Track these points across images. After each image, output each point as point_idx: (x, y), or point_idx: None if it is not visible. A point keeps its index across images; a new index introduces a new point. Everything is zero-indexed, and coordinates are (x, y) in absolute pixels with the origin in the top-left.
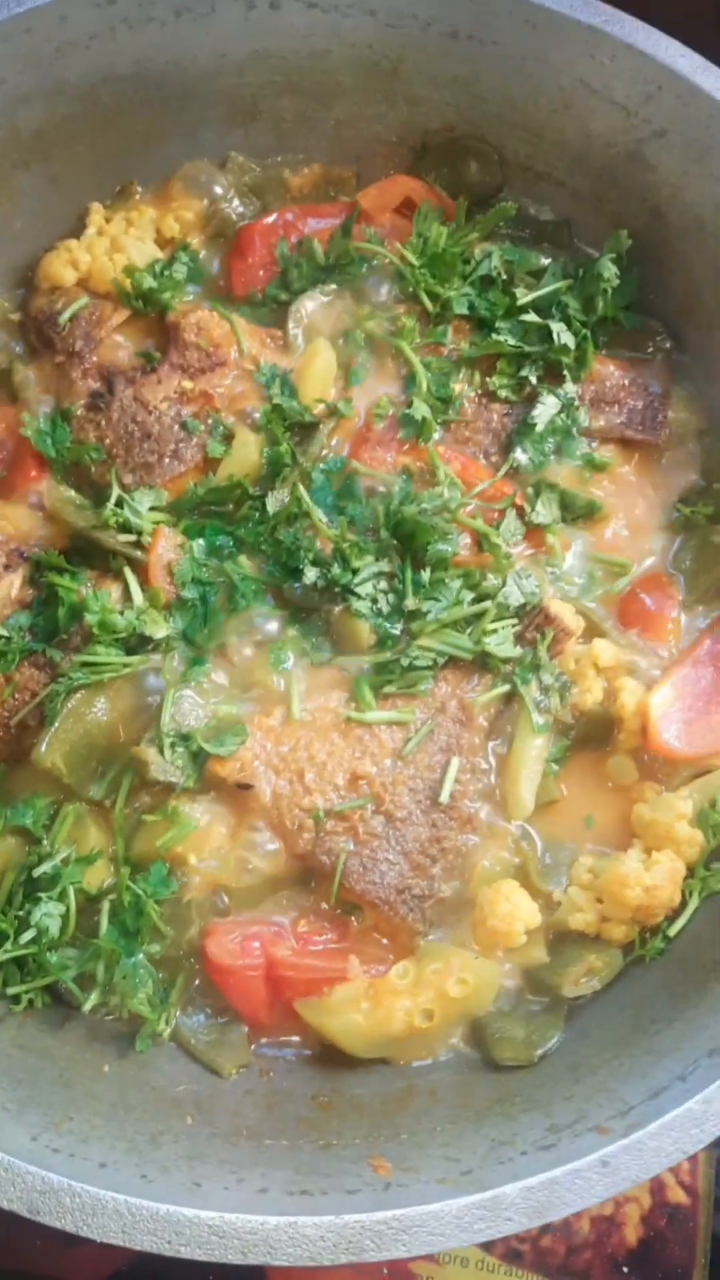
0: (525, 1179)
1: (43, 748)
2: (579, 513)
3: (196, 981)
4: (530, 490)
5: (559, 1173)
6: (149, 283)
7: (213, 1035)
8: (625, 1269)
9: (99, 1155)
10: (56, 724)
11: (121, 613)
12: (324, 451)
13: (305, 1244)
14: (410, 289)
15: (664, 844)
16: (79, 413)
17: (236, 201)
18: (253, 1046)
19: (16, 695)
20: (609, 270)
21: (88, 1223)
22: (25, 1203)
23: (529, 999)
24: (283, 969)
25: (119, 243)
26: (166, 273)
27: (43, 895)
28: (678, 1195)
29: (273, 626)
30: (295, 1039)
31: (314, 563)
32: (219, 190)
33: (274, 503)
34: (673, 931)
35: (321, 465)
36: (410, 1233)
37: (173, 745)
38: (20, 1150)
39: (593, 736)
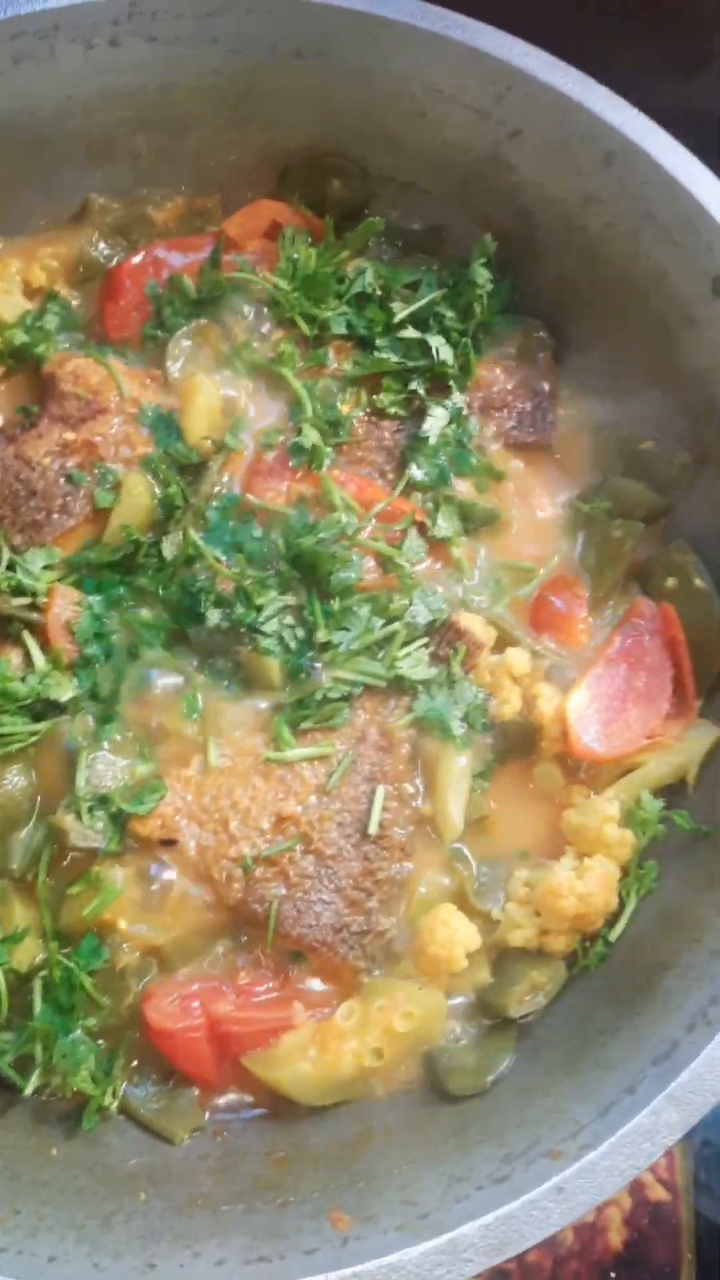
0: (482, 1216)
1: None
2: (480, 521)
3: (139, 1050)
4: (430, 504)
5: (515, 1206)
6: (20, 338)
7: (162, 1102)
8: (613, 1275)
9: (47, 1249)
10: None
11: (24, 679)
12: (216, 489)
13: None
14: (286, 314)
15: (596, 848)
16: None
17: (102, 243)
18: (205, 1111)
19: None
20: (482, 276)
21: None
22: None
23: (482, 1022)
24: (226, 1025)
25: None
26: (38, 324)
27: None
28: (658, 1193)
29: (179, 676)
30: (247, 1097)
31: (216, 604)
32: (82, 236)
33: (170, 546)
34: (613, 936)
35: (214, 503)
36: None
37: (90, 809)
38: None
39: (516, 747)
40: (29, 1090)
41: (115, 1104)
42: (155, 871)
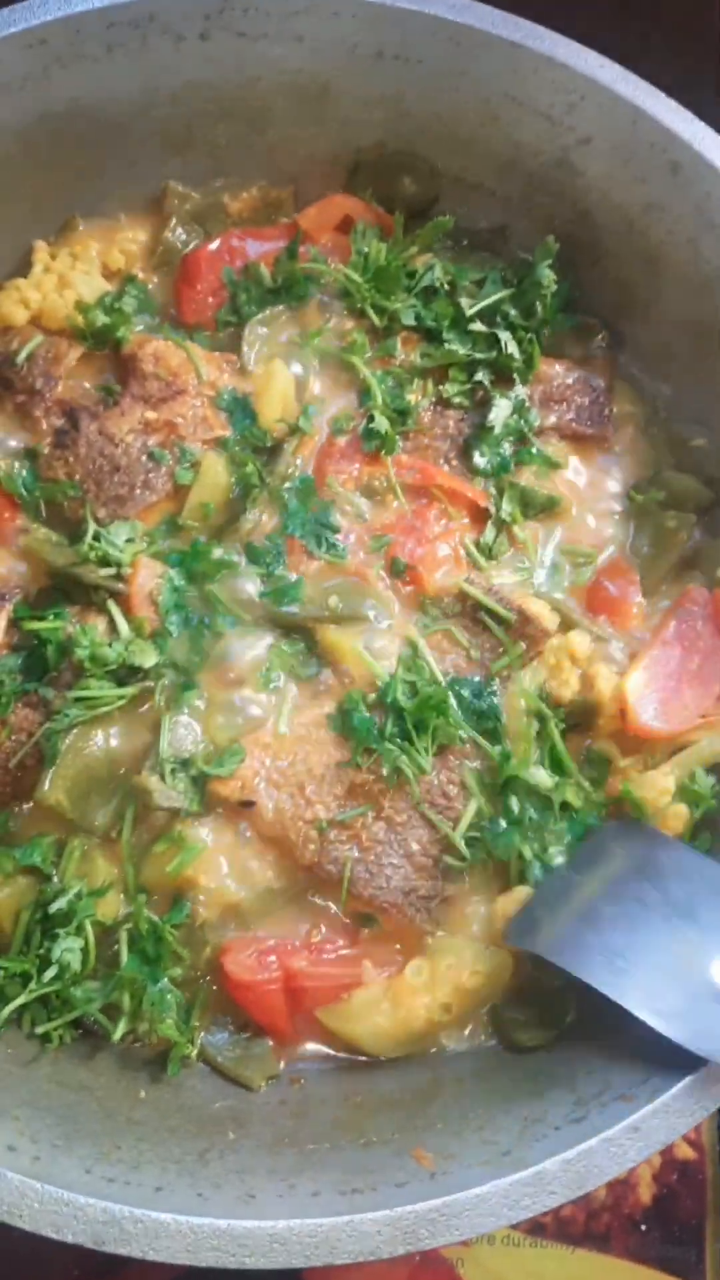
0: (563, 1153)
1: (45, 785)
2: (539, 507)
3: (216, 1000)
4: (492, 490)
5: (594, 1143)
6: (102, 319)
7: (238, 1051)
8: (643, 1226)
9: (153, 1180)
10: (58, 761)
11: (110, 645)
12: (290, 469)
13: (364, 1240)
14: (357, 305)
15: (654, 821)
16: (46, 451)
17: (179, 230)
18: (280, 1060)
19: (13, 737)
20: (546, 277)
21: (154, 1246)
22: (90, 1235)
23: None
24: (301, 980)
25: (67, 279)
26: (116, 306)
27: (60, 931)
28: (685, 1152)
29: (261, 646)
30: (322, 1048)
31: (294, 589)
32: (166, 231)
33: (249, 524)
34: None
35: (289, 484)
36: (462, 1217)
37: (173, 771)
38: (77, 1184)
39: (576, 725)
40: (117, 1036)
41: (195, 1051)
42: (233, 835)
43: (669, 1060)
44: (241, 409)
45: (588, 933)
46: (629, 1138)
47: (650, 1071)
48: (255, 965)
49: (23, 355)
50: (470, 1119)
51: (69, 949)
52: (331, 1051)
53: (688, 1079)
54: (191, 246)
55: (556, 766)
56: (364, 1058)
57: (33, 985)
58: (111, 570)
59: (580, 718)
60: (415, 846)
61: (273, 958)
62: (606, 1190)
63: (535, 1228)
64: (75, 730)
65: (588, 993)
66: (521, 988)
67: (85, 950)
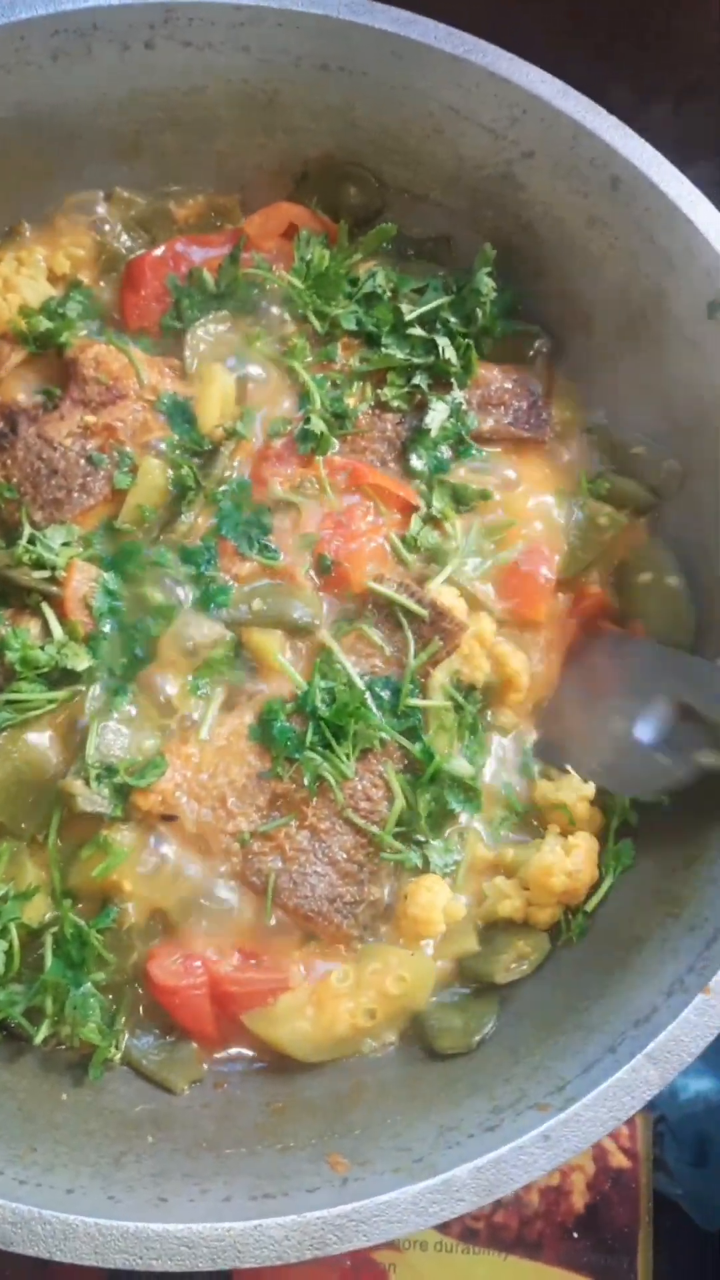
0: (474, 1160)
1: None
2: (471, 500)
3: (142, 1004)
4: (423, 488)
5: (504, 1151)
6: (45, 324)
7: (163, 1054)
8: (575, 1234)
9: (65, 1182)
10: None
11: (42, 648)
12: (227, 473)
13: (271, 1245)
14: (299, 310)
15: (570, 825)
16: None
17: (125, 236)
18: (204, 1064)
19: None
20: (485, 284)
21: (60, 1247)
22: None
23: (467, 988)
24: (226, 984)
25: (11, 283)
26: (60, 311)
27: None
28: (619, 1160)
29: (193, 647)
30: (246, 1052)
31: (221, 592)
32: (106, 227)
33: (184, 525)
34: (590, 908)
35: (224, 487)
36: (370, 1223)
37: (98, 777)
38: None
39: (490, 703)
40: (39, 1039)
41: (119, 1055)
42: (155, 843)
43: (586, 1071)
44: (181, 413)
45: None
46: (539, 1146)
47: (565, 1080)
48: (180, 970)
49: None
50: (387, 1125)
51: None
52: (255, 1055)
53: (600, 1088)
54: (137, 252)
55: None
56: (288, 1063)
57: None
58: (46, 573)
59: (489, 695)
60: (340, 854)
61: (198, 963)
62: (539, 1197)
63: (467, 1234)
64: (5, 734)
65: (510, 1002)
66: (448, 995)
67: (10, 953)
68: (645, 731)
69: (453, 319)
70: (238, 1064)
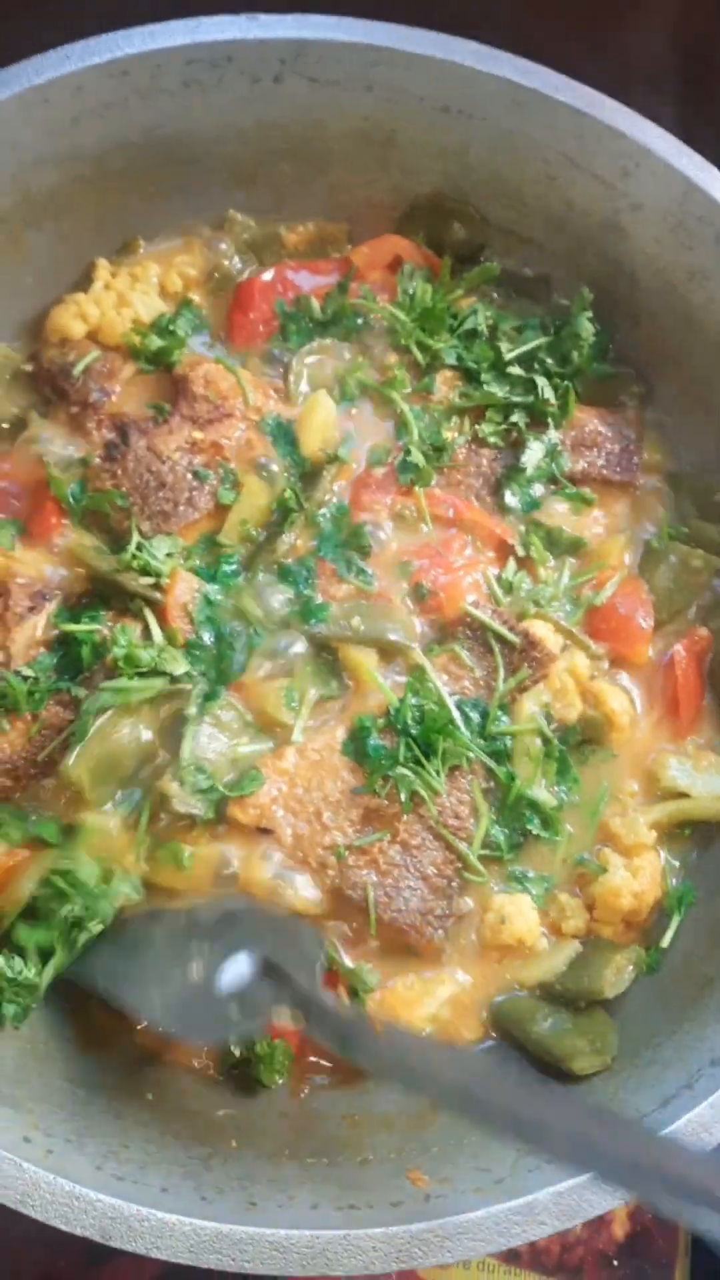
0: (555, 1185)
1: (71, 760)
2: (564, 548)
3: None
4: (520, 528)
5: (585, 1179)
6: (157, 342)
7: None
8: (615, 1263)
9: (159, 1180)
10: (85, 739)
11: (144, 649)
12: (327, 496)
13: (359, 1254)
14: (401, 342)
15: (634, 852)
16: (95, 462)
17: (236, 258)
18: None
19: (44, 732)
20: (585, 329)
21: (158, 1245)
22: (98, 1229)
23: (554, 1010)
24: None
25: (125, 298)
26: (172, 329)
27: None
28: None
29: (286, 660)
30: (322, 1062)
31: (319, 609)
32: (220, 246)
33: (284, 545)
34: (664, 943)
35: (324, 510)
36: (454, 1239)
37: (193, 779)
38: (87, 1179)
39: (587, 740)
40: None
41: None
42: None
43: (664, 1105)
44: (285, 435)
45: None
46: None
47: (642, 1113)
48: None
49: (79, 368)
50: (465, 1145)
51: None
52: (332, 1069)
53: (679, 1122)
54: (246, 275)
55: (566, 784)
56: (361, 1076)
57: (60, 956)
58: (150, 580)
59: (591, 733)
60: (430, 868)
61: None
62: (582, 1224)
63: (511, 1255)
64: (106, 715)
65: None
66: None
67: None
68: (223, 981)
69: (549, 359)
70: (314, 1074)
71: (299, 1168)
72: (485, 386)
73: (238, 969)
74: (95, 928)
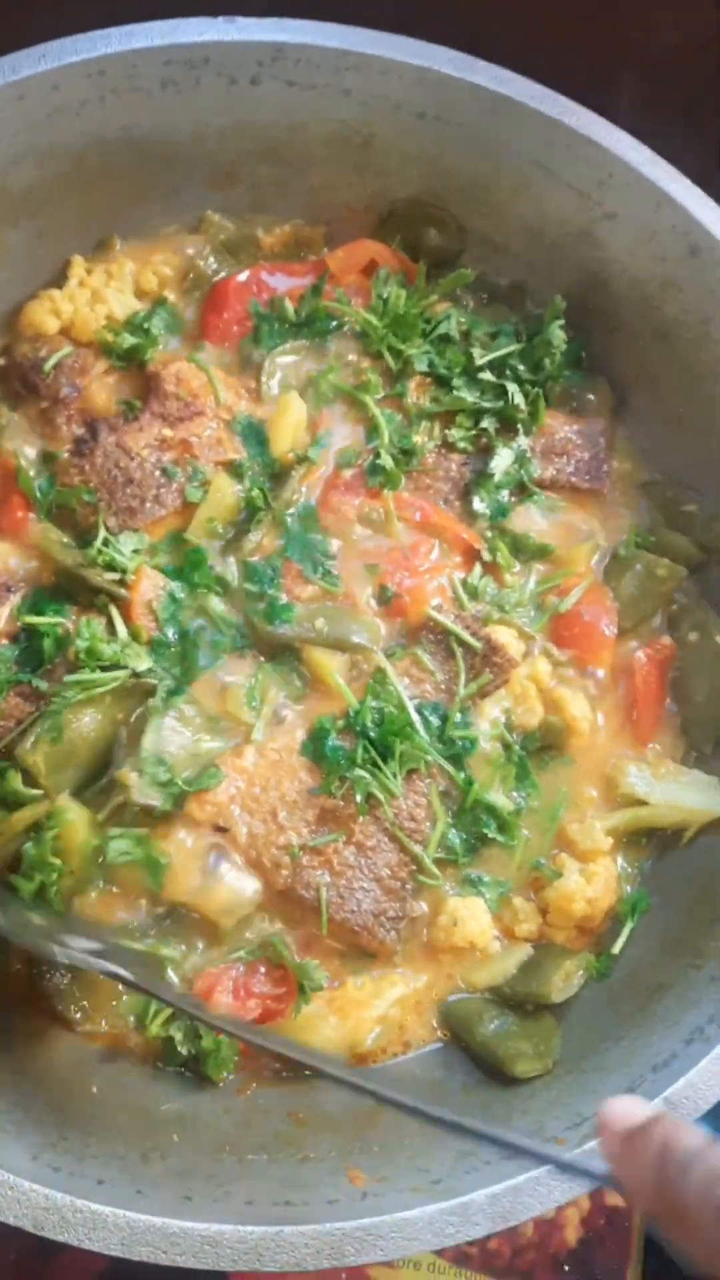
0: (491, 1186)
1: (27, 744)
2: (531, 554)
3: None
4: (488, 534)
5: (521, 1180)
6: (130, 340)
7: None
8: (566, 1267)
9: (95, 1172)
10: (44, 725)
11: (107, 643)
12: (295, 496)
13: (291, 1250)
14: (374, 347)
15: (589, 857)
16: (64, 457)
17: (212, 258)
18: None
19: (2, 722)
20: (557, 337)
21: (90, 1236)
22: (31, 1219)
23: (501, 1013)
24: (268, 1002)
25: (100, 294)
26: (146, 327)
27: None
28: (615, 1199)
29: (250, 664)
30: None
31: (284, 609)
32: (193, 250)
33: (250, 543)
34: (615, 950)
35: (292, 509)
36: (388, 1238)
37: (153, 770)
38: (23, 1169)
39: (546, 747)
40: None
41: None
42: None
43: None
44: (254, 435)
45: None
46: (555, 1179)
47: (583, 1117)
48: (240, 1008)
49: (50, 364)
50: (406, 1144)
51: None
52: (279, 1068)
53: None
54: (222, 275)
55: (525, 789)
56: (309, 1074)
57: None
58: (115, 576)
59: (551, 739)
60: (384, 870)
61: (253, 1002)
62: (534, 1228)
63: (461, 1257)
64: (69, 708)
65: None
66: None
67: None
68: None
69: (521, 366)
70: (259, 1072)
71: (238, 1163)
72: (455, 392)
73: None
74: None
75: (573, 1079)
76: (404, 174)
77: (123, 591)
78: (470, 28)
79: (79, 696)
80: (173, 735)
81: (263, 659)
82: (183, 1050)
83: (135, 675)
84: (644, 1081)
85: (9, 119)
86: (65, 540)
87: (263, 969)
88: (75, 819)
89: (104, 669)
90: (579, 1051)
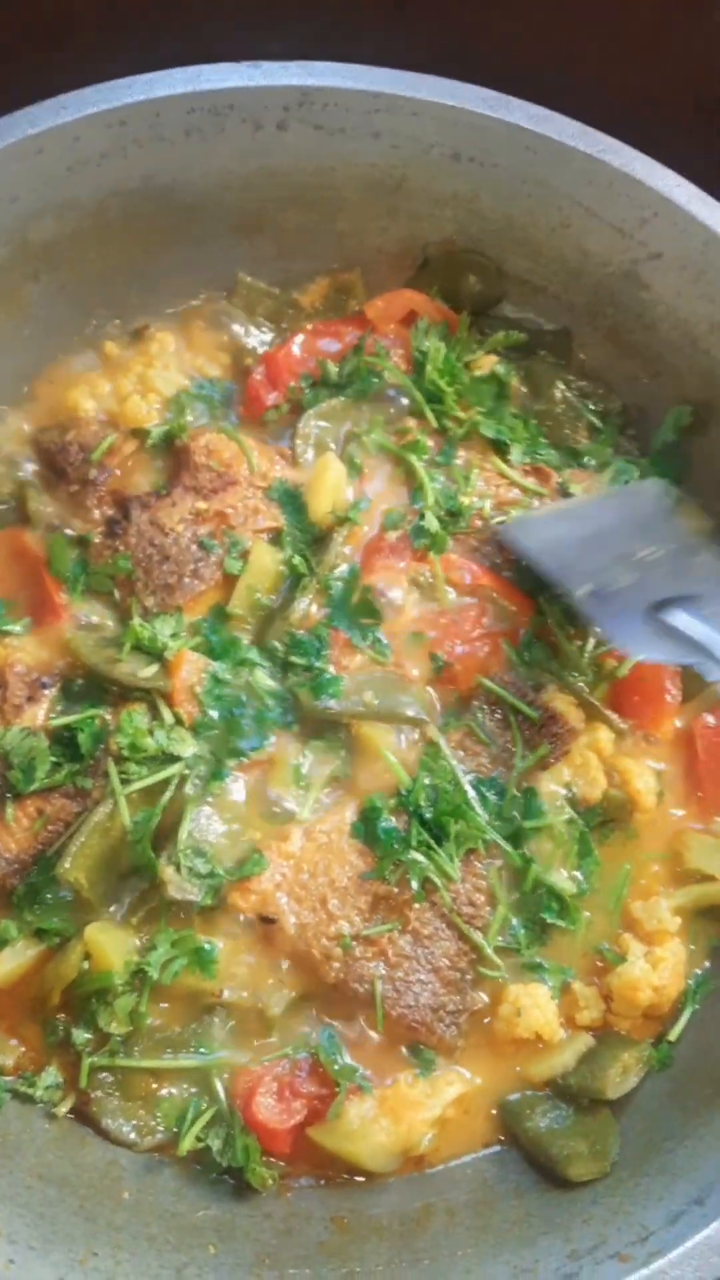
0: None
1: (66, 862)
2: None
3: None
4: (542, 600)
5: None
6: (166, 426)
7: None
8: None
9: None
10: (81, 837)
11: (151, 733)
12: (338, 560)
13: None
14: (418, 409)
15: (656, 939)
16: (97, 540)
17: (253, 329)
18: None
19: (49, 827)
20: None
21: None
22: None
23: (560, 1108)
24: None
25: (149, 382)
26: (181, 423)
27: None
28: None
29: (291, 739)
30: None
31: (330, 683)
32: (238, 328)
33: (297, 612)
34: (674, 1036)
35: (335, 573)
36: None
37: (191, 862)
38: None
39: (609, 820)
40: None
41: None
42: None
43: (672, 1223)
44: (292, 501)
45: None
46: None
47: (649, 1231)
48: (284, 1111)
49: (98, 453)
50: (458, 1258)
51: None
52: (321, 1172)
53: (688, 1243)
54: (270, 346)
55: (587, 867)
56: (353, 1176)
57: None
58: (154, 669)
59: (613, 813)
60: (443, 960)
61: (299, 1102)
62: None
63: None
64: (101, 810)
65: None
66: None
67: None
68: None
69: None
70: (299, 1176)
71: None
72: (509, 463)
73: None
74: None
75: (634, 1183)
76: (438, 216)
77: (161, 684)
78: (502, 64)
79: (119, 794)
80: (211, 822)
81: (309, 736)
82: (221, 1161)
83: (182, 763)
84: (713, 1191)
85: (29, 173)
86: (94, 641)
87: (306, 1067)
88: (104, 940)
89: (148, 760)
90: (641, 1152)
